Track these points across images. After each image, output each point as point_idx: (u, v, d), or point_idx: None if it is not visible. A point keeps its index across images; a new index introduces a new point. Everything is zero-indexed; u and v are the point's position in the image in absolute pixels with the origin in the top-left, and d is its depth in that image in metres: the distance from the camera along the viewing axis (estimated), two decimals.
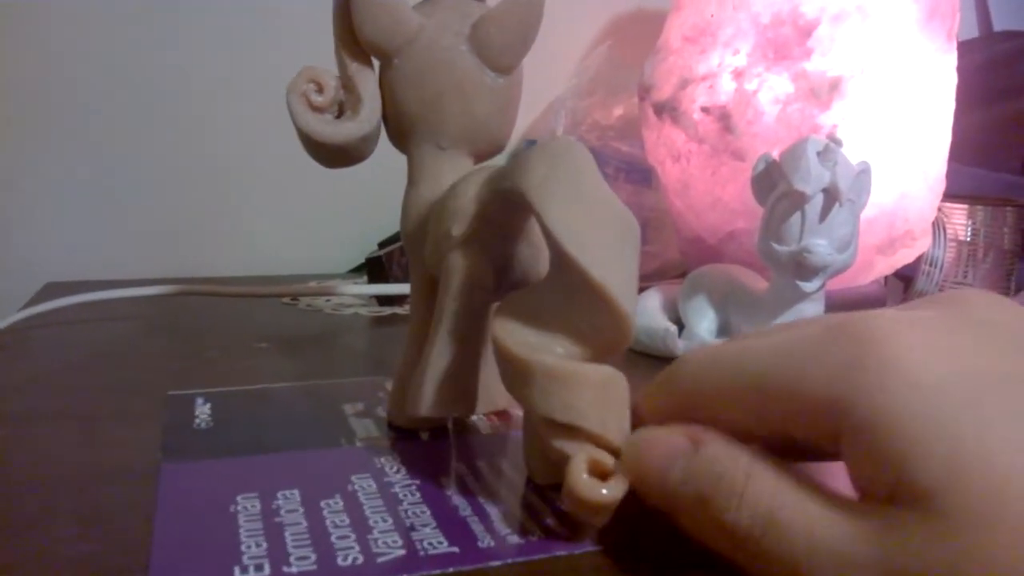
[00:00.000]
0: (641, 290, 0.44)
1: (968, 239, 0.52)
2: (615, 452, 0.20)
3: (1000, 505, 0.15)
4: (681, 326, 0.41)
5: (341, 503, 0.23)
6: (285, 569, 0.19)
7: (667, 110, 0.47)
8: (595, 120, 0.59)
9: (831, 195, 0.35)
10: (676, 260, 0.56)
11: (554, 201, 0.21)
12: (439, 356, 0.25)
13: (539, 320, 0.21)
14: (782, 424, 0.19)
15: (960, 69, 0.47)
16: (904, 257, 0.47)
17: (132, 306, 0.48)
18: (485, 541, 0.21)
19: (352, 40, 0.26)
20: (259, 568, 0.19)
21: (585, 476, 0.20)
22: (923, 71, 0.44)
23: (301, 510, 0.22)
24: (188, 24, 0.61)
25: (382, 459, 0.26)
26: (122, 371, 0.37)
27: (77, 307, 0.46)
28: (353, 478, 0.25)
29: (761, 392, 0.19)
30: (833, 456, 0.18)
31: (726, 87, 0.45)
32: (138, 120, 0.61)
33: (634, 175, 0.58)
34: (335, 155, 0.27)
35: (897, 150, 0.44)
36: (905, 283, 0.55)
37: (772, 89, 0.43)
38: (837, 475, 0.18)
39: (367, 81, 0.26)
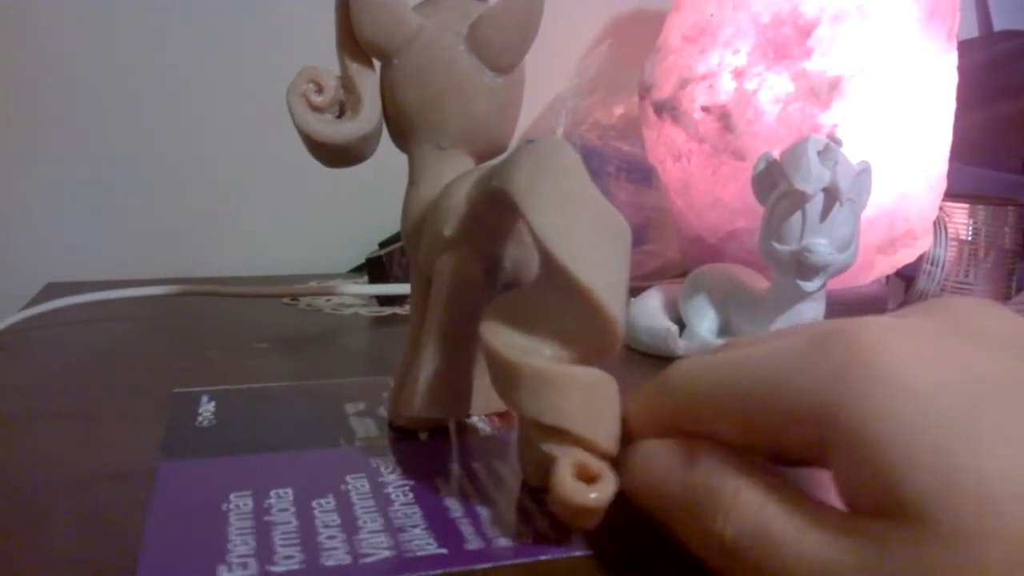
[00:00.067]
0: (642, 289, 0.44)
1: (969, 238, 0.52)
2: (603, 455, 0.20)
3: (991, 517, 0.14)
4: (682, 325, 0.41)
5: (333, 503, 0.23)
6: (270, 568, 0.19)
7: (667, 109, 0.47)
8: (596, 119, 0.59)
9: (831, 194, 0.35)
10: (677, 259, 0.56)
11: (541, 203, 0.21)
12: (431, 356, 0.25)
13: (528, 322, 0.21)
14: (770, 433, 0.18)
15: (960, 68, 0.47)
16: (905, 257, 0.47)
17: (132, 306, 0.48)
18: (474, 543, 0.21)
19: (352, 40, 0.26)
20: (244, 567, 0.19)
21: (571, 479, 0.19)
22: (923, 71, 0.44)
23: (292, 509, 0.22)
24: (188, 24, 0.61)
25: (379, 459, 0.26)
26: (122, 371, 0.37)
27: (77, 307, 0.45)
28: (348, 478, 0.25)
29: (748, 401, 0.19)
30: (821, 465, 0.17)
31: (726, 86, 0.45)
32: (138, 120, 0.61)
33: (635, 174, 0.58)
34: (336, 155, 0.27)
35: (898, 150, 0.44)
36: (906, 283, 0.55)
37: (772, 88, 0.43)
38: (830, 485, 0.18)
39: (367, 81, 0.26)
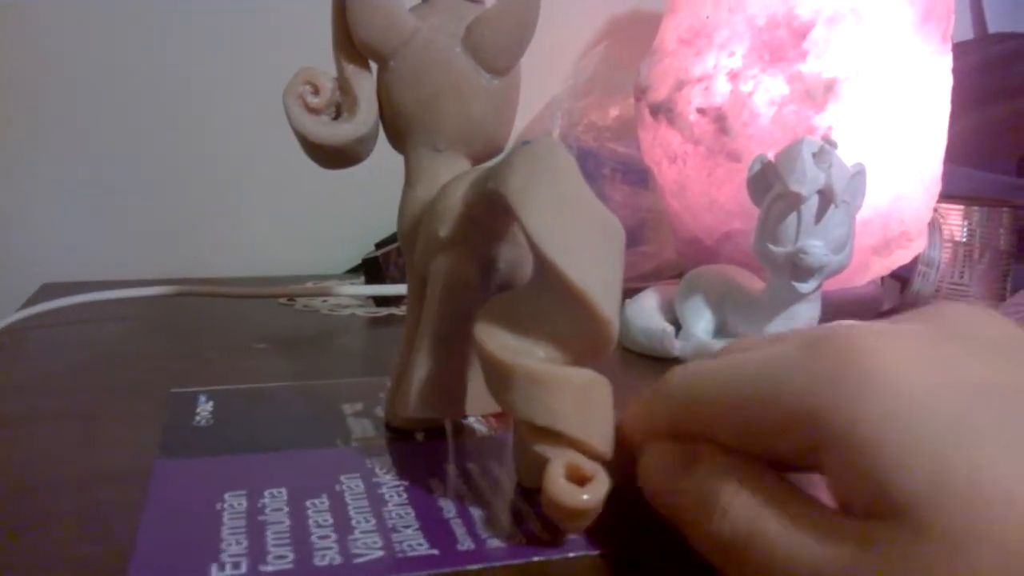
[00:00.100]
0: (638, 290, 0.44)
1: (964, 240, 0.52)
2: (596, 456, 0.20)
3: (984, 522, 0.14)
4: (678, 326, 0.41)
5: (327, 503, 0.23)
6: (262, 568, 0.19)
7: (663, 111, 0.47)
8: (591, 121, 0.60)
9: (826, 196, 0.35)
10: (673, 261, 0.56)
11: (535, 205, 0.21)
12: (425, 357, 0.25)
13: (521, 324, 0.21)
14: (765, 437, 0.19)
15: (955, 71, 0.47)
16: (900, 258, 0.47)
17: (130, 307, 0.48)
18: (466, 544, 0.21)
19: (349, 42, 0.26)
20: (236, 566, 0.19)
21: (563, 481, 0.20)
22: (918, 73, 0.44)
23: (286, 509, 0.22)
24: (188, 24, 0.61)
25: (374, 459, 0.26)
26: (121, 372, 0.37)
27: (74, 308, 0.46)
28: (342, 478, 0.25)
29: (743, 406, 0.19)
30: (816, 469, 0.18)
31: (722, 89, 0.45)
32: (137, 120, 0.61)
33: (630, 176, 0.58)
34: (332, 156, 0.27)
35: (892, 151, 0.44)
36: (901, 284, 0.55)
37: (767, 91, 0.43)
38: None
39: (364, 83, 0.26)
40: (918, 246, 0.48)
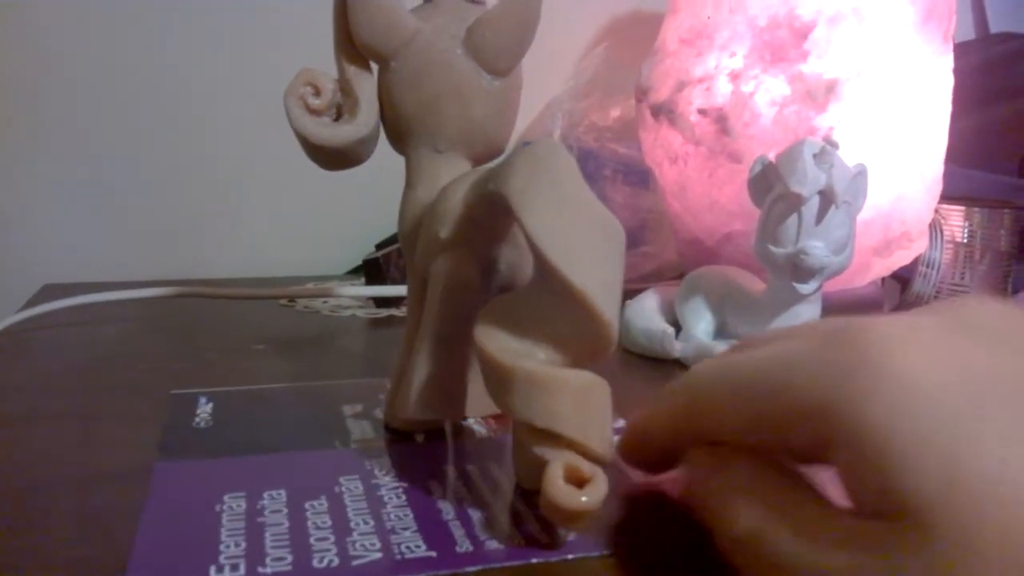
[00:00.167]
0: (639, 291, 0.44)
1: (965, 241, 0.52)
2: (595, 458, 0.20)
3: (993, 518, 0.14)
4: (678, 327, 0.41)
5: (326, 504, 0.23)
6: (260, 569, 0.19)
7: (664, 112, 0.47)
8: (592, 122, 0.60)
9: (827, 197, 0.35)
10: (673, 261, 0.56)
11: (535, 205, 0.21)
12: (425, 358, 0.25)
13: (521, 326, 0.21)
14: (778, 430, 0.19)
15: (957, 71, 0.47)
16: (901, 259, 0.47)
17: (130, 307, 0.48)
18: (464, 546, 0.21)
19: (350, 43, 0.26)
20: (235, 568, 0.19)
21: (562, 483, 0.20)
22: (920, 73, 0.44)
23: (285, 511, 0.22)
24: (188, 24, 0.61)
25: (374, 461, 0.26)
26: (121, 372, 0.37)
27: (75, 308, 0.46)
28: (341, 480, 0.25)
29: (758, 399, 0.19)
30: (827, 463, 0.18)
31: (723, 89, 0.45)
32: (137, 121, 0.61)
33: (631, 177, 0.58)
34: (333, 158, 0.27)
35: (893, 152, 0.44)
36: (902, 285, 0.55)
37: (768, 91, 0.43)
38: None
39: (365, 84, 0.26)
40: (919, 247, 0.48)
